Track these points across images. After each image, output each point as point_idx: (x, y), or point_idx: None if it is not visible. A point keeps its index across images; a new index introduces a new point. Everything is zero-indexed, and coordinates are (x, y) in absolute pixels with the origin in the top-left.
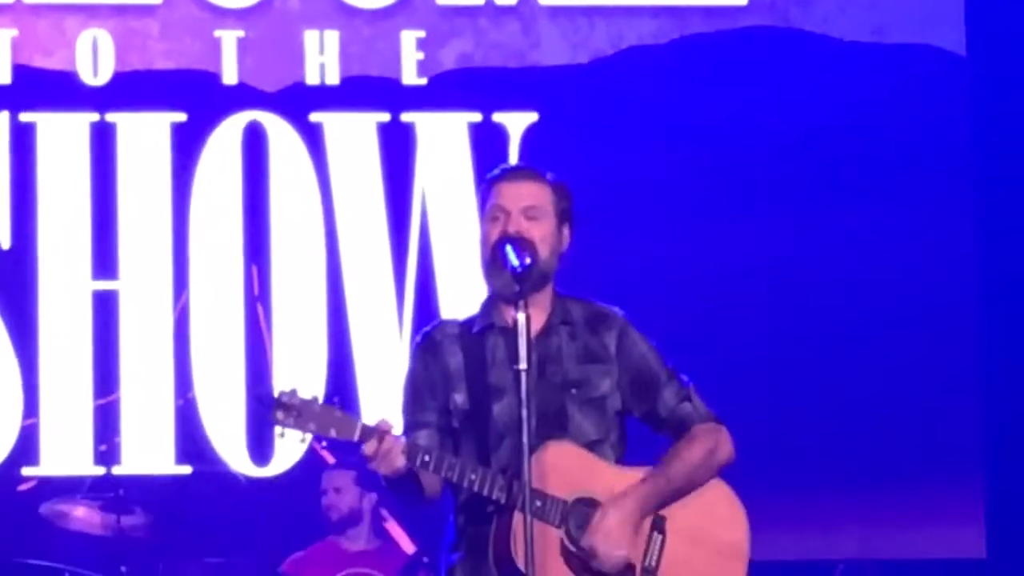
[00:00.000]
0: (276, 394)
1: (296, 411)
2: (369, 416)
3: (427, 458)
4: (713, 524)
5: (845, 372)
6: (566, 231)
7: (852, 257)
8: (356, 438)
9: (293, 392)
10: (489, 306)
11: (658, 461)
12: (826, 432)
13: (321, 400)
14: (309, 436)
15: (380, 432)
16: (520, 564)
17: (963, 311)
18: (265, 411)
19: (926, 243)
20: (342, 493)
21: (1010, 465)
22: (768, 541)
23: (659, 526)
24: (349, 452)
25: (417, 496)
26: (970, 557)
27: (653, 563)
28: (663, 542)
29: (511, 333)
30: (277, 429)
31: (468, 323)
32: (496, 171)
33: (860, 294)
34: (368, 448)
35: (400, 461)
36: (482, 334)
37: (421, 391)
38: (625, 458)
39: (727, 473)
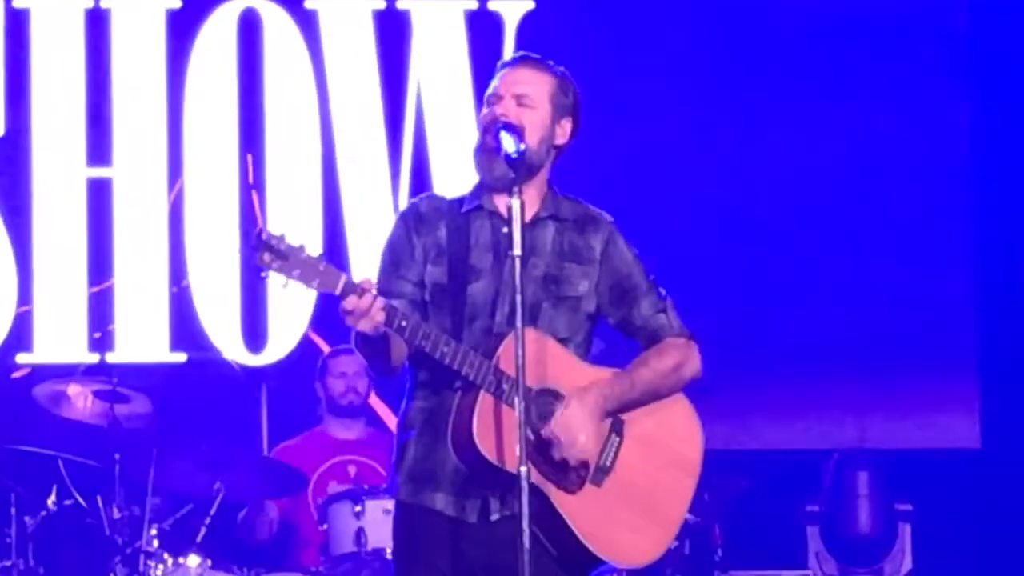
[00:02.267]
0: (264, 236)
1: (282, 255)
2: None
3: (404, 323)
4: (670, 436)
5: (841, 263)
6: (567, 125)
7: (849, 154)
8: (338, 292)
9: (281, 237)
10: (480, 189)
11: (627, 366)
12: (822, 323)
13: (311, 251)
14: (292, 282)
15: (362, 289)
16: (481, 445)
17: (956, 201)
18: (252, 252)
19: (921, 148)
20: (349, 378)
21: (1005, 356)
22: (764, 432)
23: (617, 429)
24: (344, 339)
25: (384, 360)
26: (965, 447)
27: (608, 463)
28: (620, 444)
29: (498, 218)
30: (264, 272)
31: (458, 202)
32: (507, 58)
33: (853, 185)
34: (349, 303)
35: (379, 318)
36: (468, 215)
37: (401, 260)
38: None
39: (724, 364)
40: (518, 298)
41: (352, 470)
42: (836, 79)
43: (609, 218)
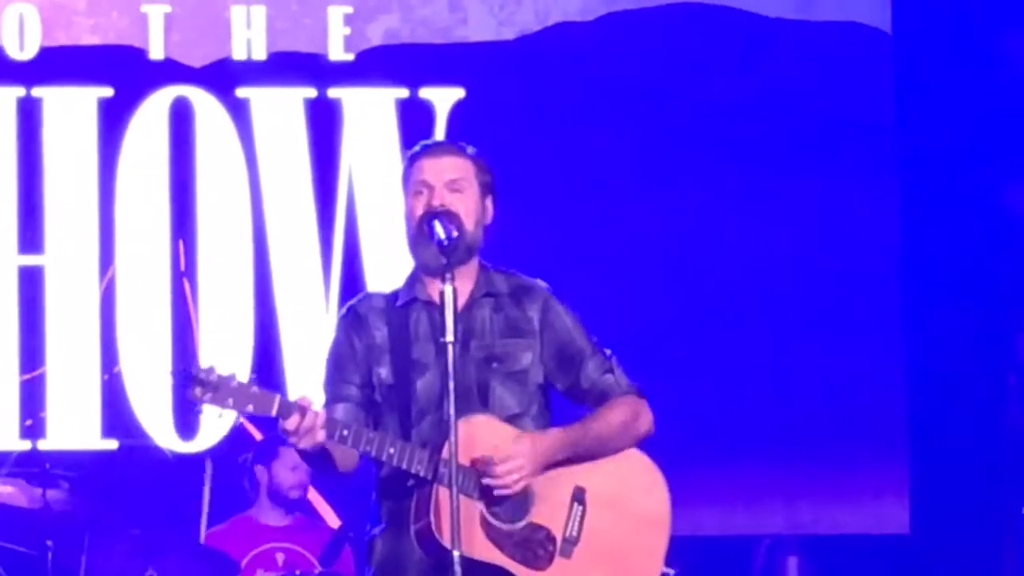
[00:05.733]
0: (193, 371)
1: (213, 387)
2: (295, 389)
3: (345, 432)
4: (632, 492)
5: (771, 346)
6: (489, 204)
7: (776, 234)
8: (273, 413)
9: (210, 369)
10: (413, 280)
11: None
12: (751, 406)
13: (242, 376)
14: (227, 412)
15: (301, 408)
16: (440, 538)
17: (888, 284)
18: (182, 387)
19: (851, 220)
20: (302, 473)
21: (935, 441)
22: (693, 516)
23: (579, 497)
24: (275, 428)
25: (331, 470)
26: (894, 532)
27: (574, 533)
28: (583, 512)
29: (434, 307)
30: (198, 406)
31: (393, 297)
32: (417, 147)
33: (786, 269)
34: (290, 423)
35: (320, 436)
36: (406, 308)
37: (344, 364)
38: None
39: (651, 447)
40: (450, 384)
41: (280, 557)
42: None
43: (543, 285)
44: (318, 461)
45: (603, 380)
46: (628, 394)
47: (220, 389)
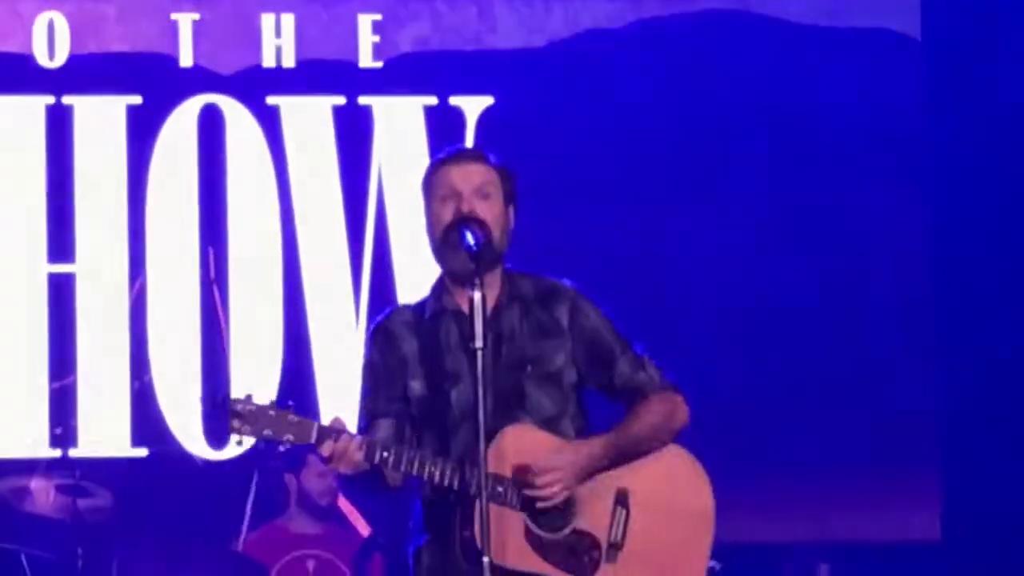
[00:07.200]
0: (231, 402)
1: (252, 418)
2: (326, 397)
3: (386, 454)
4: (675, 489)
5: (801, 353)
6: (511, 212)
7: (806, 242)
8: (313, 440)
9: (248, 399)
10: (439, 289)
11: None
12: (784, 413)
13: (274, 399)
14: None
15: (335, 432)
16: (486, 551)
17: (918, 292)
18: (221, 418)
19: (882, 229)
20: (330, 478)
21: (967, 447)
22: (725, 523)
23: (622, 500)
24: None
25: (381, 490)
26: (926, 539)
27: (619, 538)
28: (627, 515)
29: (463, 316)
30: (233, 436)
31: (420, 308)
32: (443, 154)
33: (816, 277)
34: (325, 449)
35: (358, 458)
36: (435, 319)
37: (379, 381)
38: (589, 430)
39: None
40: (479, 391)
41: (311, 564)
42: (792, 183)
43: (569, 284)
44: (365, 483)
45: (636, 377)
46: (663, 390)
47: (259, 419)
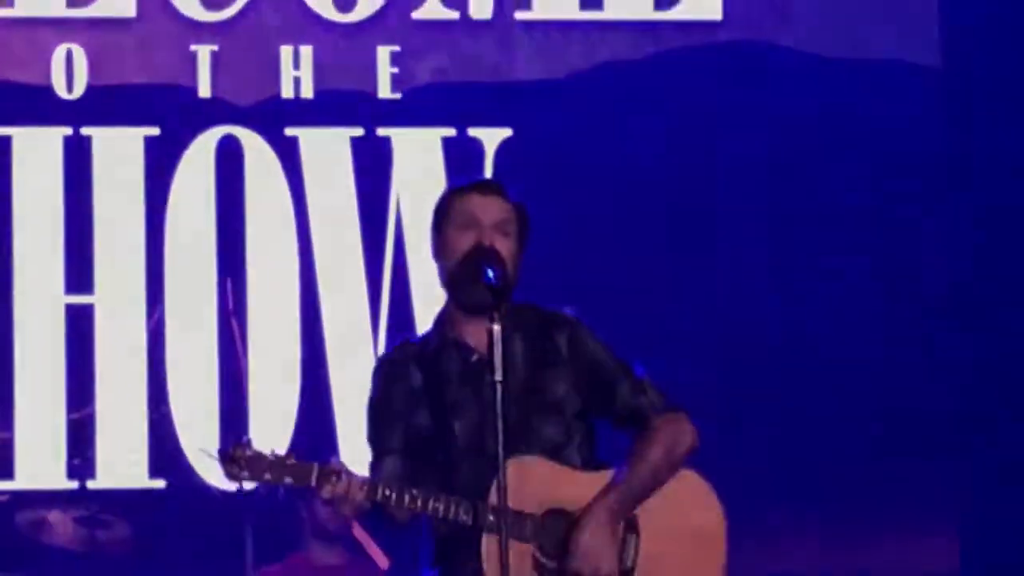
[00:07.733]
0: (230, 449)
1: (249, 464)
2: (344, 428)
3: (388, 492)
4: (685, 510)
5: (814, 376)
6: (521, 251)
7: (828, 271)
8: (312, 483)
9: (246, 444)
10: (442, 322)
11: (621, 465)
12: (797, 439)
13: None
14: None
15: (336, 472)
16: None
17: (940, 318)
18: (221, 463)
19: (904, 259)
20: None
21: (986, 475)
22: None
23: (631, 526)
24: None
25: (390, 525)
26: (945, 570)
27: (629, 564)
28: (637, 541)
29: (465, 349)
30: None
31: (423, 342)
32: (466, 184)
33: (833, 306)
34: (326, 492)
35: (359, 498)
36: (438, 352)
37: (383, 417)
38: (598, 455)
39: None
40: (499, 424)
41: None
42: (815, 216)
43: (568, 313)
44: (372, 520)
45: (637, 402)
46: (665, 412)
47: (258, 465)
